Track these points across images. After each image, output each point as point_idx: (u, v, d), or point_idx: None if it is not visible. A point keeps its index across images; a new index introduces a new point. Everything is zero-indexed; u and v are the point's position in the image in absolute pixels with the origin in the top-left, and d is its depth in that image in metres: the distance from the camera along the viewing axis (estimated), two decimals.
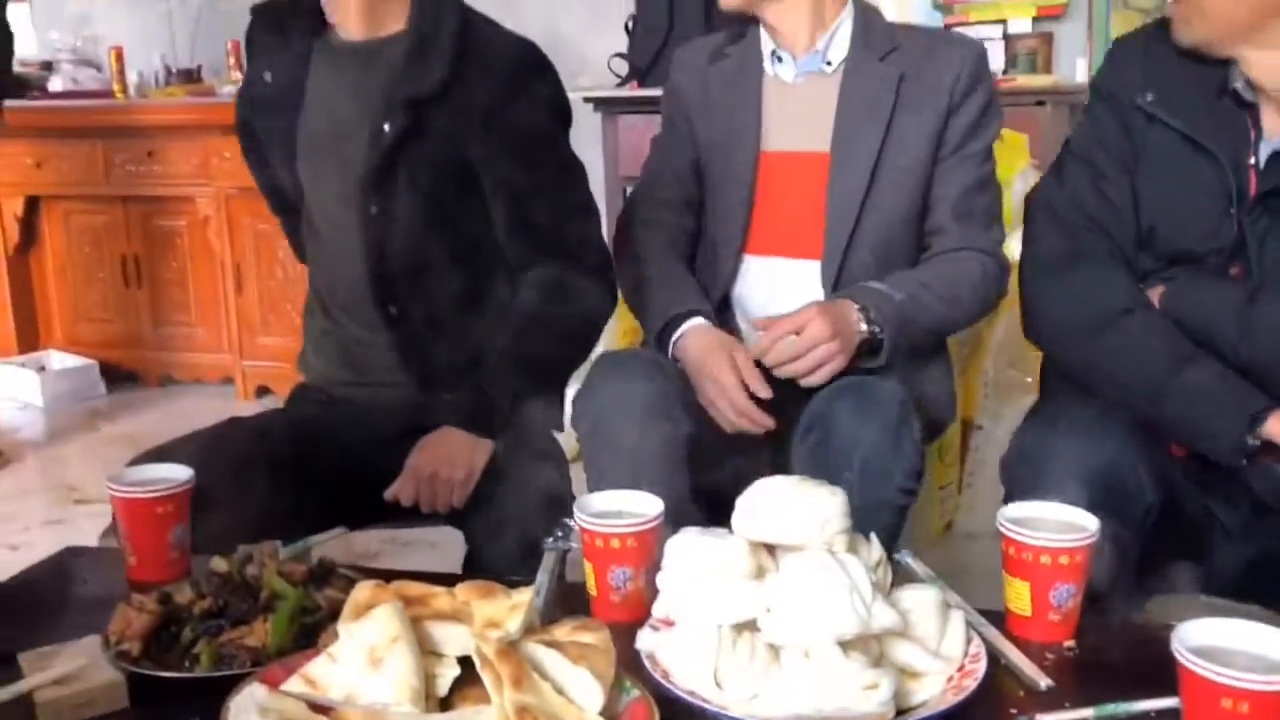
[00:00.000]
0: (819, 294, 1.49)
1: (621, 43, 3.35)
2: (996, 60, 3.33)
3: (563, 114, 1.57)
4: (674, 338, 1.47)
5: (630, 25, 3.31)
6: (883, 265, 1.50)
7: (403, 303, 1.53)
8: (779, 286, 1.53)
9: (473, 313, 1.54)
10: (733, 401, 1.39)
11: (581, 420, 1.41)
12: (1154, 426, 1.27)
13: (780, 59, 1.55)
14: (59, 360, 3.73)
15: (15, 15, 4.31)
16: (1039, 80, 3.14)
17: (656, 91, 3.06)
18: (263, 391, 3.62)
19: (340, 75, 1.53)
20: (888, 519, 1.32)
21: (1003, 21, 3.34)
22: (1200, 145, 1.29)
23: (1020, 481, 1.21)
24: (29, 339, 3.81)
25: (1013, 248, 1.53)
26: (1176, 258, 1.32)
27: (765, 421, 1.40)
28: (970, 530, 2.42)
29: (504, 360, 1.47)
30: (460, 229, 1.53)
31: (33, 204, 3.71)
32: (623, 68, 3.34)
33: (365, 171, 1.49)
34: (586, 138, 3.07)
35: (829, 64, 1.53)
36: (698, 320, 1.47)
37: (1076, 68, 3.27)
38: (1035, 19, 3.34)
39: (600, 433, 1.38)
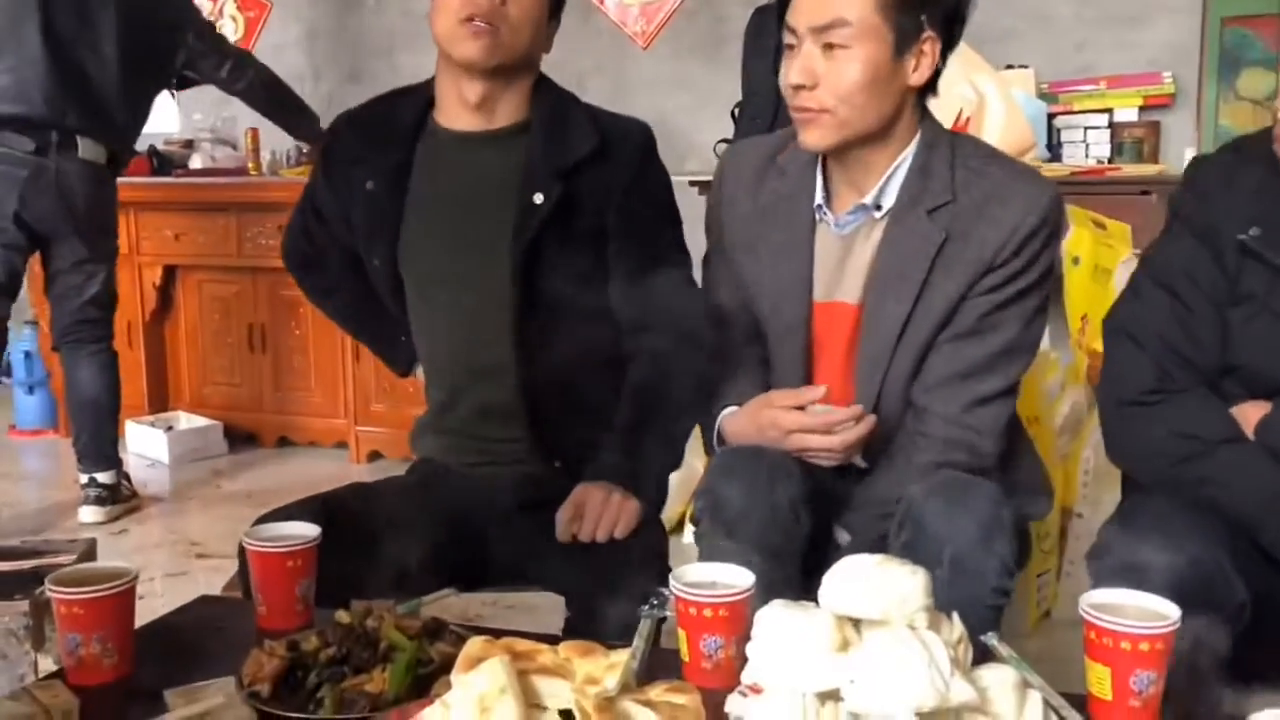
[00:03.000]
0: None
1: (727, 129, 3.47)
2: (1102, 149, 3.35)
3: (672, 190, 1.67)
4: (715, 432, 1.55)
5: (735, 113, 3.42)
6: (903, 416, 1.49)
7: (543, 377, 1.58)
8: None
9: (602, 386, 1.60)
10: (818, 439, 1.44)
11: (703, 517, 1.44)
12: None
13: (825, 214, 1.50)
14: (186, 421, 3.94)
15: (160, 97, 4.65)
16: (1145, 169, 3.16)
17: None
18: (374, 456, 3.76)
19: (459, 161, 1.60)
20: (980, 617, 1.29)
21: (1109, 110, 3.36)
22: None
23: (1103, 579, 1.22)
24: (159, 400, 4.03)
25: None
26: (1267, 390, 1.32)
27: (852, 414, 1.43)
28: (1069, 618, 2.38)
29: (636, 432, 1.54)
30: (595, 299, 1.59)
31: (170, 273, 3.96)
32: None
33: (515, 244, 1.54)
34: (693, 219, 3.18)
35: (878, 210, 1.47)
36: (727, 409, 1.54)
37: (1184, 157, 3.27)
38: (1142, 108, 3.36)
39: (721, 529, 1.40)
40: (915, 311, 1.44)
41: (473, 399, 1.65)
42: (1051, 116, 3.38)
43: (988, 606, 1.32)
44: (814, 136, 1.42)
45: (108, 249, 3.15)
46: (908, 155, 1.46)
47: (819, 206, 1.51)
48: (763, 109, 3.33)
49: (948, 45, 1.45)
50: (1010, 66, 3.37)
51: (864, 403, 1.47)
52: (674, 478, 3.00)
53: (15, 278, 3.04)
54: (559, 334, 1.58)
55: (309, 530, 1.28)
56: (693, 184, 3.33)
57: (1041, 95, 3.37)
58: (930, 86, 1.47)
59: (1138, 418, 1.38)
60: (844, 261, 1.50)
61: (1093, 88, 3.38)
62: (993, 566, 1.32)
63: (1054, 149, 3.38)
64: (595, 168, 1.55)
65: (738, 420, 1.53)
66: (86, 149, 2.98)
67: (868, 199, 1.47)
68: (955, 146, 1.48)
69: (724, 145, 3.45)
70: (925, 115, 1.49)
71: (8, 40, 2.87)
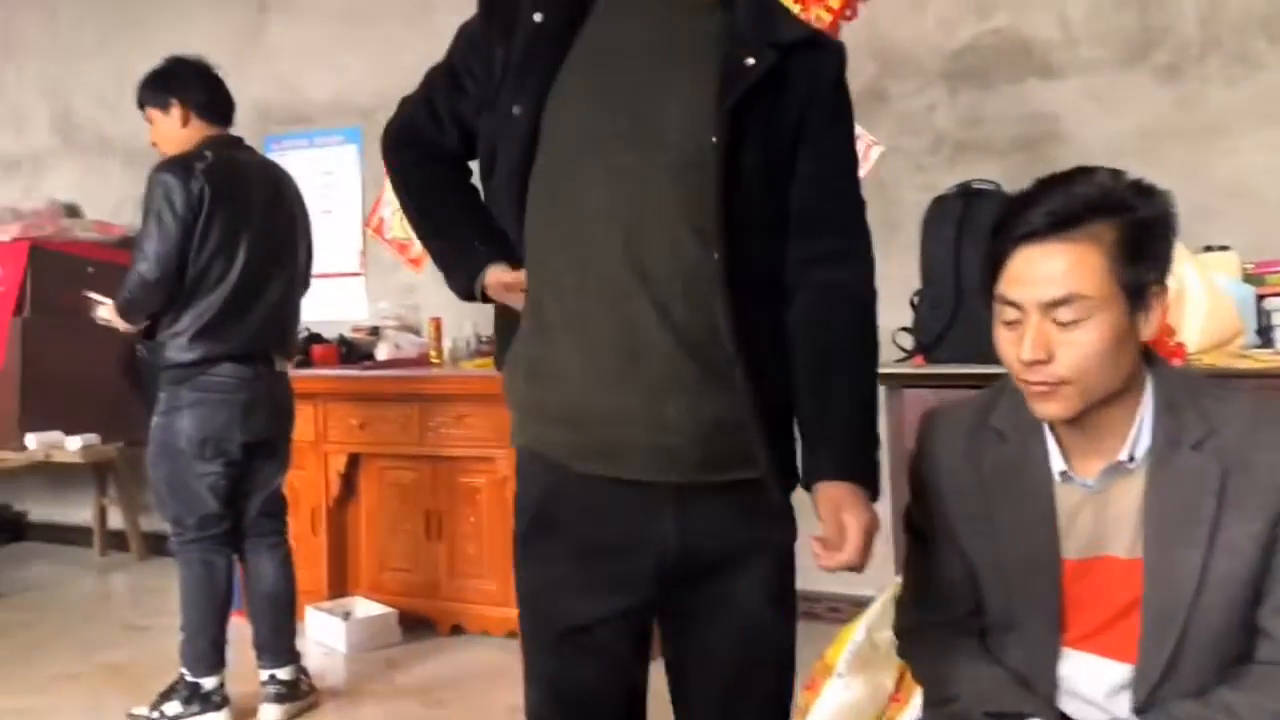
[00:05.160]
0: (1127, 701, 1.37)
1: (903, 313, 3.38)
2: None
3: None
4: None
5: (915, 301, 3.34)
6: (1208, 676, 1.34)
7: (748, 287, 1.35)
8: (1099, 682, 1.41)
9: (780, 320, 1.43)
10: None
11: None
12: None
13: (1071, 478, 1.41)
14: (363, 607, 3.97)
15: (351, 286, 4.89)
16: None
17: (943, 369, 3.05)
18: None
19: (649, 12, 1.42)
20: None
21: None
22: None
23: None
24: (339, 585, 4.09)
25: None
26: None
27: None
28: None
29: (850, 395, 1.40)
30: (783, 203, 1.42)
31: (354, 460, 4.07)
32: (906, 340, 3.35)
33: (720, 102, 1.33)
34: None
35: (1132, 461, 1.38)
36: None
37: None
38: None
39: None
40: (1212, 557, 1.32)
41: (621, 324, 1.35)
42: (1260, 299, 3.16)
43: None
44: (1054, 409, 1.35)
45: (290, 446, 3.34)
46: (1147, 400, 1.38)
47: (1063, 474, 1.41)
48: (944, 298, 3.24)
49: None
50: (1209, 248, 3.19)
51: (1152, 662, 1.35)
52: None
53: (233, 490, 3.18)
54: (755, 235, 1.37)
55: None
56: None
57: (1247, 278, 3.16)
58: None
59: None
60: (1101, 515, 1.40)
61: None
62: None
63: (1265, 334, 3.15)
64: (806, 55, 1.40)
65: None
66: (280, 363, 3.23)
67: (1121, 456, 1.37)
68: (1183, 377, 1.42)
69: (903, 333, 3.38)
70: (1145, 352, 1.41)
71: (220, 281, 3.05)
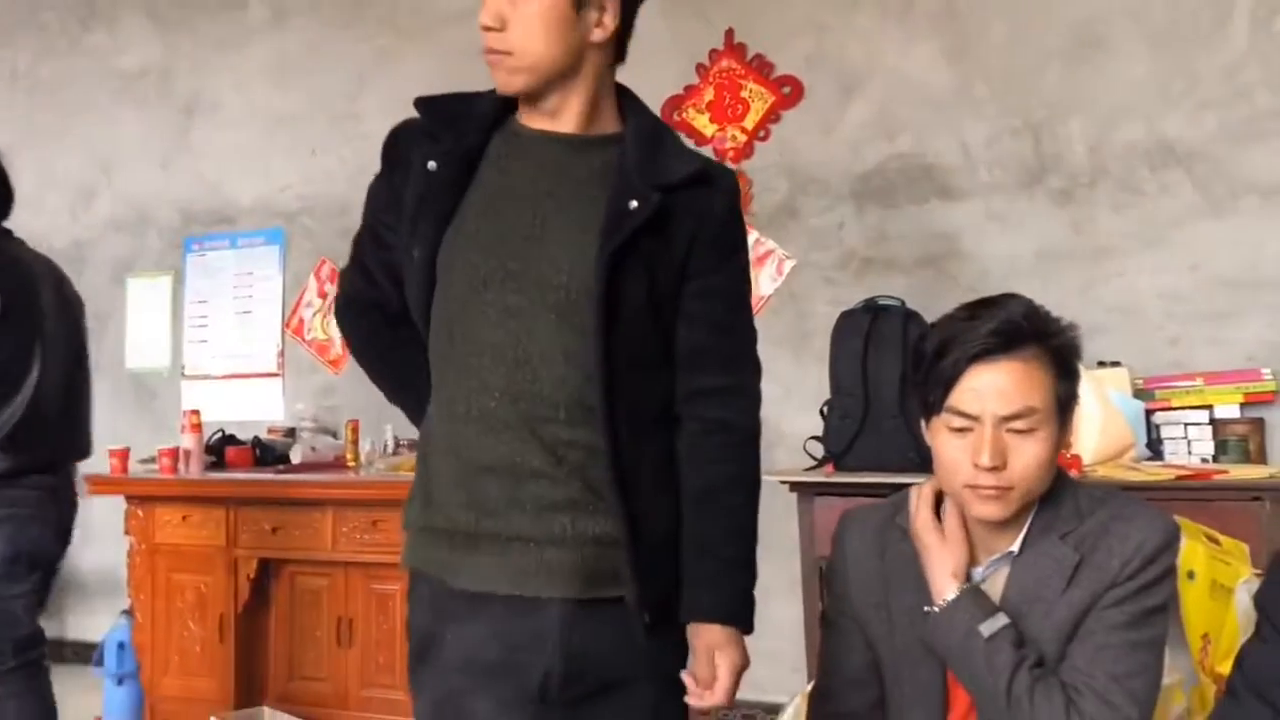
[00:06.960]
0: None
1: (811, 421, 3.46)
2: (1205, 447, 3.26)
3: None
4: None
5: (824, 410, 3.43)
6: None
7: (622, 420, 1.40)
8: None
9: (668, 447, 1.48)
10: None
11: None
12: None
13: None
14: (272, 718, 3.87)
15: (269, 387, 4.85)
16: (1253, 472, 3.03)
17: (852, 478, 3.13)
18: None
19: (538, 157, 1.48)
20: None
21: (1209, 407, 3.29)
22: None
23: None
24: (246, 695, 3.97)
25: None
26: None
27: None
28: None
29: (728, 536, 1.46)
30: (665, 338, 1.47)
31: (264, 566, 3.99)
32: (817, 449, 3.43)
33: (602, 246, 1.40)
34: (781, 516, 3.14)
35: (1014, 551, 1.51)
36: None
37: None
38: (1243, 404, 3.28)
39: None
40: (1043, 630, 1.45)
41: (505, 454, 1.42)
42: (1149, 413, 3.32)
43: None
44: (996, 510, 1.46)
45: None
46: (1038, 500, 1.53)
47: None
48: (852, 408, 3.34)
49: None
50: (1102, 363, 3.34)
51: None
52: None
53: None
54: (631, 379, 1.42)
55: None
56: (783, 483, 3.30)
57: (1137, 393, 3.31)
58: None
59: None
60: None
61: (1190, 384, 3.32)
62: None
63: (1154, 447, 3.30)
64: (694, 192, 1.46)
65: None
66: (74, 469, 3.07)
67: (1015, 547, 1.50)
68: (1072, 481, 1.55)
69: (814, 442, 3.46)
70: None
71: (19, 388, 2.82)
